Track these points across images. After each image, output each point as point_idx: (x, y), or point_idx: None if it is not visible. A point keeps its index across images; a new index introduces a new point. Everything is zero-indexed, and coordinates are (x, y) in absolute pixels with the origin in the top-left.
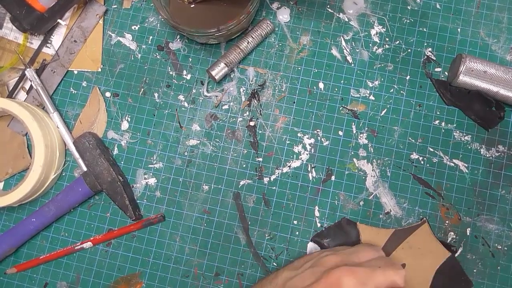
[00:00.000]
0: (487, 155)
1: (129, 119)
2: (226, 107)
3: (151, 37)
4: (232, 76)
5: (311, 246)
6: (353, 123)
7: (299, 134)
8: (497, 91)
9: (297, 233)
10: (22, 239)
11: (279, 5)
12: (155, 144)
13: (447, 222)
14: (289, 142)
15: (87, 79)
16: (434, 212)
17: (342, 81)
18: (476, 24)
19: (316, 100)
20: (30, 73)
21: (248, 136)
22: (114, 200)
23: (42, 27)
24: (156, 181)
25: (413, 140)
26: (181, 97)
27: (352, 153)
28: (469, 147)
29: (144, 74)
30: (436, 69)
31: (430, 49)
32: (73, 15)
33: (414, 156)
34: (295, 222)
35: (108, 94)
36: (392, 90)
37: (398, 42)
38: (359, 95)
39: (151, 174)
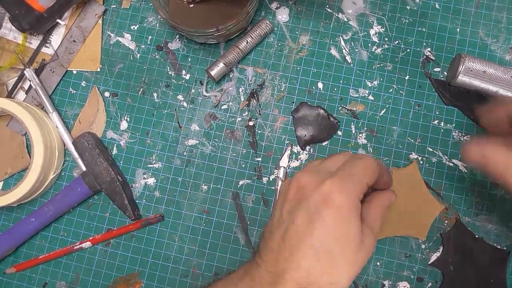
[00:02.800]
0: None
1: (128, 119)
2: (225, 107)
3: (150, 37)
4: (231, 76)
5: None
6: (352, 123)
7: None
8: (496, 91)
9: None
10: (21, 239)
11: (278, 5)
12: (154, 144)
13: (446, 222)
14: (288, 142)
15: (86, 79)
16: None
17: (341, 81)
18: (475, 24)
19: (315, 100)
20: (29, 73)
21: (247, 136)
22: (113, 200)
23: (41, 27)
24: (155, 181)
25: (412, 140)
26: (180, 97)
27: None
28: None
29: (143, 74)
30: (435, 69)
31: (429, 49)
32: (72, 15)
33: (413, 156)
34: None
35: (107, 94)
36: (391, 90)
37: (397, 42)
38: (358, 95)
39: (150, 174)
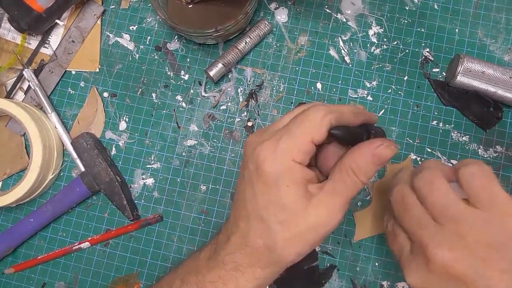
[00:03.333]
0: (485, 156)
1: (127, 119)
2: (224, 107)
3: (149, 37)
4: (230, 76)
5: None
6: None
7: None
8: (495, 91)
9: None
10: (20, 239)
11: (277, 6)
12: (153, 145)
13: None
14: None
15: (85, 80)
16: None
17: (340, 82)
18: (474, 25)
19: (314, 100)
20: (28, 73)
21: (245, 137)
22: (112, 200)
23: (40, 27)
24: (154, 181)
25: (411, 141)
26: (179, 98)
27: None
28: (467, 148)
29: (142, 74)
30: (434, 70)
31: (428, 49)
32: (71, 15)
33: (412, 156)
34: None
35: (106, 94)
36: (390, 91)
37: (396, 42)
38: (357, 96)
39: (149, 174)
